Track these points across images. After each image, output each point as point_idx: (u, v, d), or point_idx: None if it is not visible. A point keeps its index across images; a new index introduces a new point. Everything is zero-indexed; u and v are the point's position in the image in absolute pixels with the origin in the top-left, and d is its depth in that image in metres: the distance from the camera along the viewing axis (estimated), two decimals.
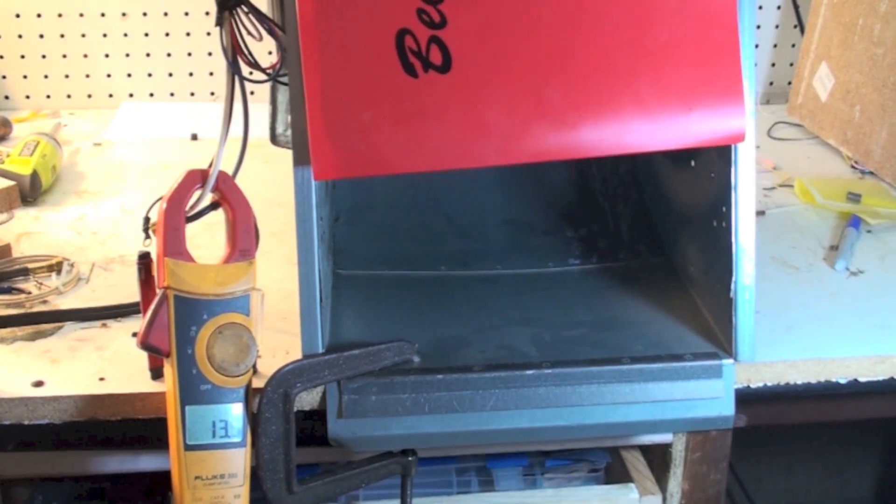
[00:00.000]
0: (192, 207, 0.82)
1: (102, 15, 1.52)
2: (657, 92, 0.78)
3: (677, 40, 0.78)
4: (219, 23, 0.82)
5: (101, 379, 0.87)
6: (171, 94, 1.58)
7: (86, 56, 1.54)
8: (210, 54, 1.55)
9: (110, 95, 1.57)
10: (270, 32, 0.84)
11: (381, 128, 0.76)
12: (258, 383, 0.80)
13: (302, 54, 0.75)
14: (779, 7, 1.61)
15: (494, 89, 0.77)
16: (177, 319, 0.78)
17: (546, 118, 0.78)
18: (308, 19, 0.75)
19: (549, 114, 0.78)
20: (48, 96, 1.56)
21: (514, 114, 0.77)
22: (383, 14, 0.75)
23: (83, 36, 1.53)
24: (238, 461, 0.79)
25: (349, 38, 0.75)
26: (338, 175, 0.78)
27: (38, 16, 1.51)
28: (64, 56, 1.54)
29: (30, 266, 1.04)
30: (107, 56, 1.54)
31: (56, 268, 1.05)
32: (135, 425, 0.87)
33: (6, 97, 1.55)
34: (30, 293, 1.00)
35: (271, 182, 1.13)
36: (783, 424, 1.07)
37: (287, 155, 0.82)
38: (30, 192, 1.21)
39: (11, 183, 1.20)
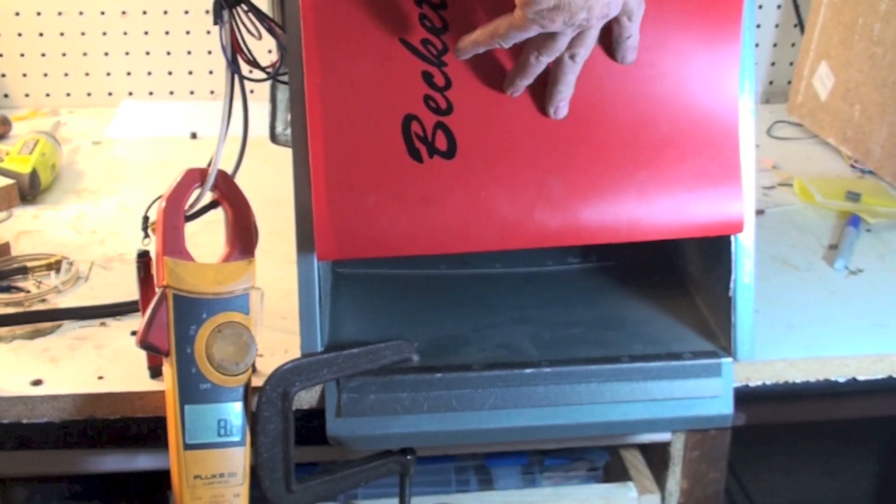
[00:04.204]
0: (192, 206, 0.82)
1: (102, 13, 1.51)
2: (657, 182, 0.80)
3: (678, 133, 0.80)
4: (217, 21, 0.82)
5: (100, 378, 0.87)
6: (171, 93, 1.58)
7: (85, 54, 1.54)
8: (210, 53, 1.55)
9: (110, 94, 1.57)
10: (270, 31, 0.84)
11: (386, 211, 0.78)
12: (257, 382, 0.80)
13: (309, 136, 0.76)
14: (779, 6, 1.61)
15: (498, 176, 0.79)
16: (176, 318, 0.78)
17: (548, 205, 0.79)
18: (315, 103, 0.76)
19: (551, 201, 0.79)
20: (47, 94, 1.56)
21: (517, 200, 0.79)
22: (390, 100, 0.77)
23: (83, 34, 1.52)
24: (237, 460, 0.79)
25: (356, 123, 0.77)
26: (341, 256, 0.79)
27: (38, 14, 1.51)
28: (63, 54, 1.54)
29: (29, 265, 1.04)
30: (106, 54, 1.54)
31: (55, 266, 1.05)
32: (134, 424, 0.87)
33: (5, 95, 1.55)
34: (29, 292, 1.00)
35: (271, 181, 1.13)
36: (782, 423, 1.07)
37: (287, 154, 0.82)
38: (29, 190, 1.21)
39: (10, 181, 1.20)
